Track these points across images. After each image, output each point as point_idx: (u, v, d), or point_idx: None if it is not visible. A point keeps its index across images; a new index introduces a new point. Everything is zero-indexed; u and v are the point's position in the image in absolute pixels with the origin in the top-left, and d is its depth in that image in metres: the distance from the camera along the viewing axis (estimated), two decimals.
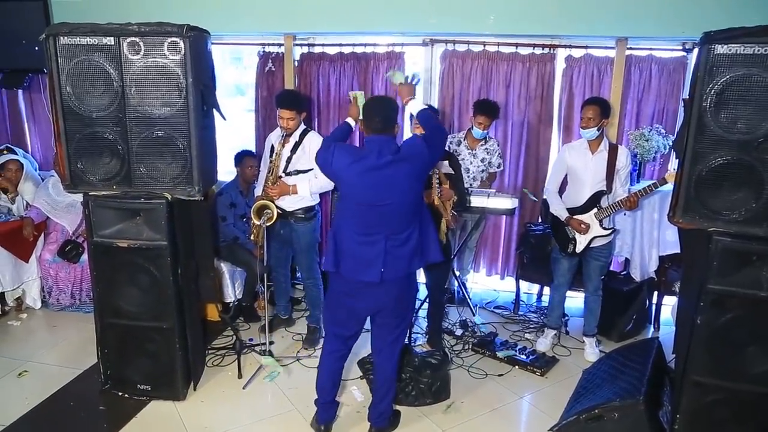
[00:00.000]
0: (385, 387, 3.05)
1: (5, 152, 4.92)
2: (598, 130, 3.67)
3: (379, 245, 2.69)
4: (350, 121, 3.14)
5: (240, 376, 3.62)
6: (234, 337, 3.77)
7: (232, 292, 4.35)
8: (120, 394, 3.37)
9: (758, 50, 2.39)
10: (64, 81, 2.93)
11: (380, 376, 3.06)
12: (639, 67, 4.54)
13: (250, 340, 4.08)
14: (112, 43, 2.87)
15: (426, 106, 2.98)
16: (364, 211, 2.70)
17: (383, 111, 2.74)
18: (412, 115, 3.07)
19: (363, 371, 3.55)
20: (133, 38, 2.86)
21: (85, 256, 4.41)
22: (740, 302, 2.65)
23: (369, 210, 2.68)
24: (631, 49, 4.47)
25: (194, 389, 3.47)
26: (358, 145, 4.57)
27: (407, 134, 3.60)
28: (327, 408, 3.09)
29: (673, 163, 4.48)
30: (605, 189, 3.73)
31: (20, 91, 5.40)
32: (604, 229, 3.77)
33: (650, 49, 4.52)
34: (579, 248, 3.81)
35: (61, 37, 2.88)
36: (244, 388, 3.53)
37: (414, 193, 2.72)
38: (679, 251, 3.59)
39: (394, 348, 3.01)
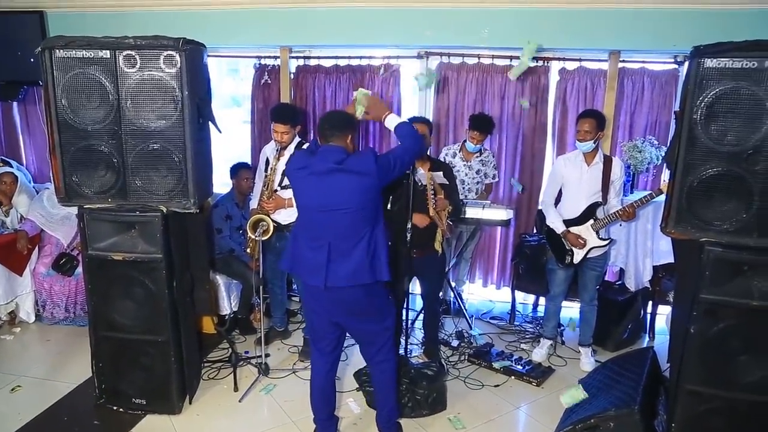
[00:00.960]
0: (384, 394, 3.06)
1: (0, 164, 4.92)
2: (594, 142, 3.71)
3: (323, 251, 2.69)
4: None
5: (236, 389, 3.61)
6: (230, 349, 3.75)
7: (227, 305, 4.35)
8: (115, 408, 3.35)
9: (746, 64, 2.43)
10: (60, 94, 2.94)
11: (377, 386, 3.09)
12: (632, 79, 4.59)
13: (246, 352, 4.06)
14: (108, 56, 2.88)
15: (403, 120, 2.92)
16: (310, 216, 2.74)
17: (331, 121, 2.77)
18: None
19: (359, 383, 3.55)
20: (129, 51, 2.87)
21: (79, 269, 4.40)
22: (732, 311, 2.67)
23: (313, 214, 2.72)
24: (623, 61, 4.53)
25: (190, 403, 3.46)
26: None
27: None
28: (326, 426, 3.07)
29: (666, 175, 4.52)
30: (601, 200, 3.76)
31: (15, 103, 5.41)
32: (601, 239, 3.79)
33: (643, 62, 4.58)
34: (576, 259, 3.83)
35: (57, 50, 2.89)
36: (240, 401, 3.52)
37: (357, 205, 2.66)
38: (672, 261, 3.61)
39: (382, 365, 2.99)
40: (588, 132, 3.68)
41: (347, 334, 3.05)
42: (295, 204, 2.88)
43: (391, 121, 2.91)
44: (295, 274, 2.88)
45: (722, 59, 2.47)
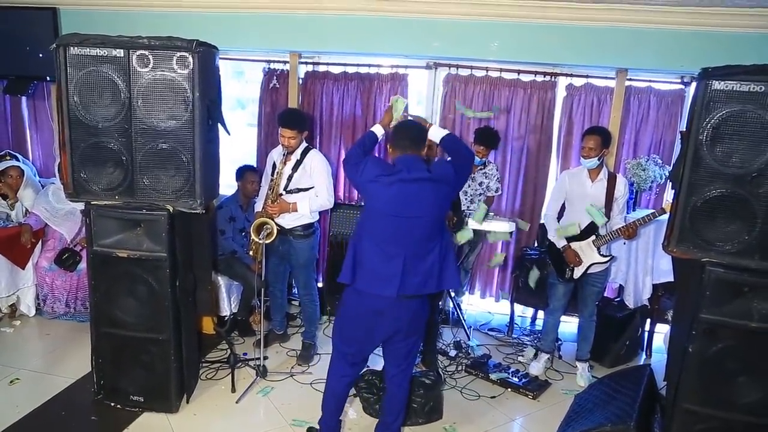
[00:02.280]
0: (397, 409, 3.05)
1: (7, 158, 4.95)
2: (598, 159, 3.74)
3: (398, 260, 2.68)
4: (378, 129, 3.03)
5: (233, 390, 3.62)
6: (228, 350, 3.77)
7: (227, 306, 4.37)
8: (112, 404, 3.36)
9: (754, 88, 2.46)
10: (72, 90, 2.97)
11: (392, 400, 3.04)
12: (638, 97, 4.62)
13: (245, 354, 4.07)
14: (122, 55, 2.91)
15: (448, 132, 2.96)
16: (387, 224, 2.70)
17: (411, 132, 2.81)
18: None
19: (356, 389, 3.55)
20: (143, 51, 2.90)
21: (81, 265, 4.42)
22: (731, 332, 2.69)
23: (392, 222, 2.68)
24: (630, 80, 4.56)
25: (187, 402, 3.46)
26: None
27: None
28: (331, 430, 3.10)
29: (669, 194, 4.54)
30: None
31: (24, 98, 5.44)
32: (602, 256, 3.81)
33: (649, 81, 4.61)
34: (577, 274, 3.85)
35: (72, 48, 2.92)
36: (237, 402, 3.53)
37: (437, 214, 2.74)
38: (672, 280, 3.63)
39: (407, 374, 3.01)
40: (593, 149, 3.71)
41: None
42: (372, 210, 2.78)
43: (437, 133, 2.93)
44: (359, 288, 2.75)
45: (730, 82, 2.50)
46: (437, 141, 2.94)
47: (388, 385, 3.05)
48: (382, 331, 2.84)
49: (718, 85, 2.52)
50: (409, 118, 3.09)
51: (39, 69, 4.96)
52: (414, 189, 2.66)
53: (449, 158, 3.12)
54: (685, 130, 2.74)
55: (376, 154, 4.74)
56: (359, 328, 2.86)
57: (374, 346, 2.98)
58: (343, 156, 5.05)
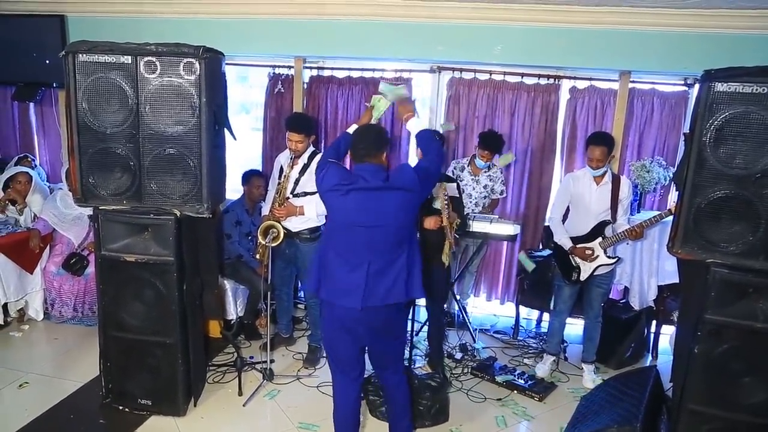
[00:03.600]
0: (400, 410, 2.99)
1: (25, 162, 5.07)
2: (605, 166, 3.76)
3: (361, 270, 2.60)
4: (353, 129, 2.96)
5: (240, 393, 3.64)
6: (235, 354, 3.79)
7: (234, 310, 4.39)
8: (120, 408, 3.38)
9: (756, 89, 2.47)
10: (81, 97, 3.01)
11: (393, 403, 3.02)
12: (641, 100, 4.63)
13: (251, 357, 4.09)
14: (130, 61, 2.95)
15: (426, 127, 2.91)
16: (348, 234, 2.64)
17: (367, 139, 2.70)
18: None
19: (363, 392, 3.56)
20: (150, 58, 2.94)
21: (89, 270, 4.46)
22: (736, 333, 2.69)
23: (354, 232, 2.62)
24: (634, 82, 4.57)
25: (194, 405, 3.49)
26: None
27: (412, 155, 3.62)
28: None
29: (673, 195, 4.55)
30: (610, 219, 3.79)
31: (31, 104, 5.50)
32: (609, 258, 3.82)
33: (653, 83, 4.63)
34: (583, 276, 3.86)
35: (80, 55, 2.96)
36: (244, 406, 3.55)
37: (399, 222, 2.63)
38: (677, 281, 3.64)
39: (400, 386, 2.95)
40: (600, 160, 3.71)
41: None
42: (332, 220, 2.75)
43: (414, 125, 2.90)
44: (324, 298, 2.72)
45: (733, 84, 2.51)
46: (413, 133, 2.90)
47: (385, 391, 3.04)
48: (359, 339, 2.77)
49: (720, 86, 2.54)
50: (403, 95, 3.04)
51: (47, 75, 5.02)
52: (372, 197, 2.58)
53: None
54: (688, 131, 2.75)
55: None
56: (338, 338, 2.78)
57: (361, 355, 2.88)
58: (347, 159, 5.08)
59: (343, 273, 2.65)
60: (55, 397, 3.50)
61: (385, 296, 2.65)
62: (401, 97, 3.09)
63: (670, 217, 3.04)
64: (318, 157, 3.85)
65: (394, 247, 2.64)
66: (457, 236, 3.79)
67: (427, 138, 2.85)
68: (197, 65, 2.92)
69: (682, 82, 4.60)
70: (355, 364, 2.86)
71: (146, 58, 2.94)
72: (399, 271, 2.65)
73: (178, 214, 3.12)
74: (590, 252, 3.79)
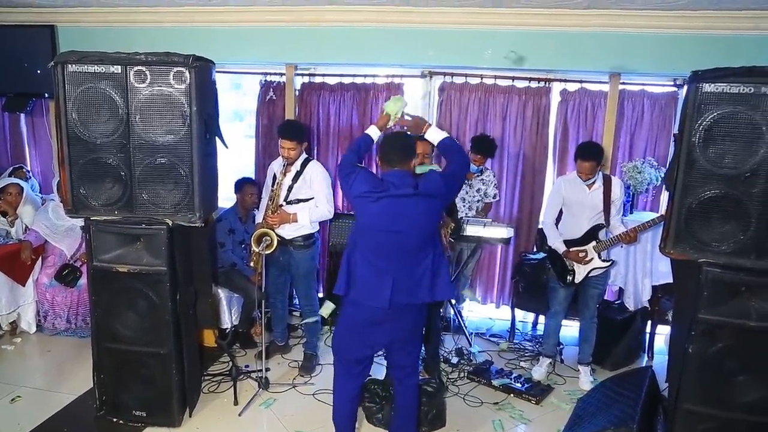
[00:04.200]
0: (410, 413, 3.06)
1: (19, 173, 5.08)
2: (595, 175, 3.79)
3: (388, 272, 2.72)
4: (373, 132, 3.04)
5: (236, 402, 3.62)
6: (230, 363, 3.77)
7: (228, 318, 4.37)
8: (114, 420, 3.35)
9: (743, 89, 2.49)
10: (71, 107, 2.99)
11: (403, 403, 3.06)
12: (632, 101, 4.66)
13: (246, 366, 4.08)
14: (119, 71, 2.94)
15: (446, 135, 2.98)
16: (377, 238, 2.75)
17: (398, 147, 2.80)
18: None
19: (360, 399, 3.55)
20: (140, 67, 2.93)
21: (82, 281, 4.43)
22: (730, 332, 2.70)
23: (382, 237, 2.73)
24: (624, 84, 4.60)
25: (190, 416, 3.46)
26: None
27: None
28: None
29: (665, 196, 4.56)
30: (603, 222, 3.80)
31: (22, 115, 5.48)
32: (603, 261, 3.83)
33: (643, 84, 4.65)
34: (578, 279, 3.87)
35: (70, 65, 2.95)
36: (239, 415, 3.53)
37: (428, 227, 2.77)
38: (671, 281, 3.64)
39: (414, 372, 3.04)
40: (590, 173, 3.76)
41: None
42: (361, 225, 2.83)
43: (435, 135, 2.95)
44: (353, 298, 2.81)
45: (720, 84, 2.53)
46: (435, 143, 2.96)
47: (398, 388, 3.06)
48: (381, 340, 2.90)
49: (708, 87, 2.55)
50: (407, 117, 3.10)
51: (37, 86, 5.01)
52: (402, 204, 2.69)
53: (444, 162, 3.11)
54: (678, 132, 2.76)
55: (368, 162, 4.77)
56: (359, 338, 2.89)
57: (373, 354, 3.02)
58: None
59: (371, 275, 2.76)
60: (48, 411, 3.47)
61: (412, 297, 2.78)
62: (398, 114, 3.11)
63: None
64: (312, 164, 3.87)
65: (419, 251, 2.76)
66: (452, 240, 3.80)
67: (450, 145, 2.94)
68: (187, 74, 2.92)
69: (672, 83, 4.63)
70: (363, 367, 2.98)
71: (136, 68, 2.93)
72: (424, 272, 2.77)
73: (171, 223, 3.11)
74: (584, 255, 3.80)
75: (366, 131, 3.08)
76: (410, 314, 2.85)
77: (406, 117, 3.11)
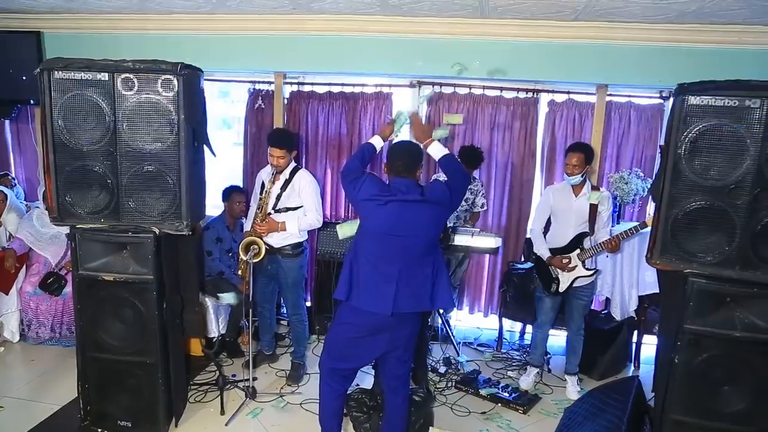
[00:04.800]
0: (398, 423, 3.06)
1: (5, 180, 5.03)
2: (582, 175, 3.79)
3: (391, 278, 2.73)
4: (377, 141, 3.09)
5: (223, 412, 3.59)
6: (217, 372, 3.74)
7: (215, 327, 4.33)
8: (99, 430, 3.30)
9: (728, 102, 2.53)
10: (57, 114, 2.96)
11: (394, 414, 3.05)
12: (619, 112, 4.71)
13: (233, 375, 4.04)
14: (107, 78, 2.92)
15: (447, 152, 3.01)
16: (381, 243, 2.76)
17: (407, 156, 2.82)
18: None
19: (346, 408, 3.53)
20: (128, 74, 2.91)
21: (67, 289, 4.38)
22: (715, 342, 2.72)
23: (387, 241, 2.74)
24: (611, 95, 4.66)
25: (176, 425, 3.42)
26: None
27: None
28: None
29: (652, 206, 4.61)
30: (588, 231, 3.83)
31: (7, 122, 5.43)
32: (587, 269, 3.85)
33: (629, 96, 4.71)
34: (562, 287, 3.88)
35: (56, 72, 2.92)
36: (226, 425, 3.50)
37: (432, 234, 2.80)
38: (658, 291, 3.67)
39: (406, 382, 3.05)
40: (576, 166, 3.77)
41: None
42: (367, 229, 2.83)
43: (437, 151, 2.97)
44: (355, 304, 2.80)
45: (705, 97, 2.56)
46: (436, 159, 2.99)
47: (390, 396, 3.05)
48: (379, 347, 2.89)
49: (694, 99, 2.59)
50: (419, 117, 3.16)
51: (22, 92, 4.97)
52: (409, 209, 2.72)
53: (443, 177, 3.13)
54: (664, 144, 2.79)
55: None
56: (357, 344, 2.89)
57: (368, 362, 3.05)
58: (329, 175, 5.08)
59: (374, 280, 2.76)
60: (31, 421, 3.41)
61: (414, 304, 2.80)
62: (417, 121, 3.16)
63: (648, 229, 3.08)
64: (300, 173, 3.86)
65: (422, 258, 2.78)
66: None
67: (450, 161, 2.97)
68: (175, 82, 2.91)
69: (658, 95, 4.69)
70: (353, 374, 3.04)
71: (123, 75, 2.91)
72: (425, 280, 2.80)
73: (158, 231, 3.08)
74: (567, 261, 3.82)
75: (369, 140, 3.12)
76: (410, 322, 2.86)
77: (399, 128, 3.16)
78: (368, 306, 2.77)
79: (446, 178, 2.99)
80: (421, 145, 3.00)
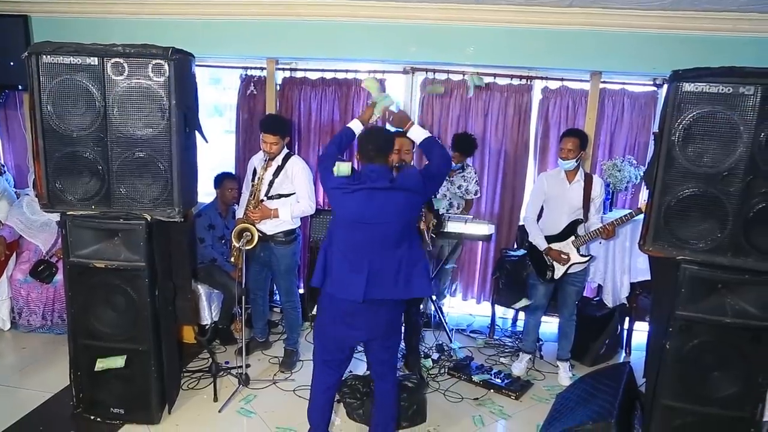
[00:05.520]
0: (388, 409, 3.06)
1: None
2: (576, 161, 3.79)
3: (362, 266, 2.71)
4: (355, 125, 3.07)
5: (216, 399, 3.59)
6: (210, 359, 3.73)
7: (208, 315, 4.32)
8: (92, 417, 3.30)
9: (722, 89, 2.53)
10: (45, 99, 2.93)
11: (384, 399, 3.05)
12: (612, 100, 4.70)
13: (226, 362, 4.03)
14: (96, 63, 2.88)
15: (428, 134, 2.99)
16: (352, 230, 2.75)
17: (377, 141, 2.80)
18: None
19: (339, 394, 3.54)
20: (118, 59, 2.88)
21: (58, 277, 4.35)
22: (706, 328, 2.75)
23: (357, 229, 2.73)
24: (604, 82, 4.64)
25: (169, 413, 3.42)
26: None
27: None
28: None
29: (644, 194, 4.62)
30: (582, 218, 3.83)
31: None
32: (582, 256, 3.86)
33: (623, 83, 4.70)
34: (557, 275, 3.89)
35: (44, 56, 2.88)
36: (219, 412, 3.50)
37: (403, 221, 2.76)
38: (649, 278, 3.69)
39: (394, 368, 3.05)
40: (571, 150, 3.76)
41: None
42: (337, 217, 2.83)
43: (417, 134, 2.96)
44: (329, 291, 2.82)
45: (699, 84, 2.57)
46: (417, 142, 2.97)
47: (378, 384, 3.06)
48: (357, 335, 2.89)
49: (688, 86, 2.59)
50: (394, 109, 3.12)
51: (10, 78, 4.87)
52: (377, 196, 2.71)
53: (426, 161, 3.12)
54: (657, 131, 2.79)
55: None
56: (335, 331, 2.90)
57: (351, 349, 3.03)
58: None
59: (346, 269, 2.76)
60: (23, 409, 3.40)
61: (386, 292, 2.76)
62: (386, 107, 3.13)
63: (641, 216, 3.09)
64: (293, 159, 3.83)
65: (394, 245, 2.75)
66: (434, 236, 3.80)
67: (431, 144, 2.95)
68: (166, 67, 2.87)
69: (651, 83, 4.68)
70: (341, 361, 2.99)
71: (113, 60, 2.88)
72: (400, 268, 2.76)
73: (149, 218, 3.06)
74: (566, 257, 3.83)
75: (348, 124, 3.10)
76: (386, 309, 2.84)
77: (395, 109, 3.13)
78: (340, 293, 2.78)
79: (427, 161, 2.97)
80: (402, 131, 3.01)
